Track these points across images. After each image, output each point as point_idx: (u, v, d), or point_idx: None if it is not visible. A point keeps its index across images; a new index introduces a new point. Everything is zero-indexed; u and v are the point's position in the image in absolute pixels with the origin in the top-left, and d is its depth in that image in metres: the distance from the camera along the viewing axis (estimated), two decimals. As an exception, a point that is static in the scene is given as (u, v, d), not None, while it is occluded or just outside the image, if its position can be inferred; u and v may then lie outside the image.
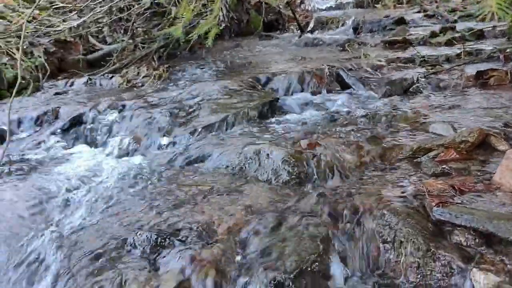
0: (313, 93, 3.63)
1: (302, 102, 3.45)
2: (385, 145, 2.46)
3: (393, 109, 3.04)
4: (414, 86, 3.42)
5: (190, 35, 4.43)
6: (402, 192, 1.92)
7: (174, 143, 3.01)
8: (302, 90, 3.72)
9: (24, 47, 5.09)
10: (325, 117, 3.11)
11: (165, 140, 3.05)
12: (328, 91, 3.65)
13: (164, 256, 1.78)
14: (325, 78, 3.76)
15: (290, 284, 1.56)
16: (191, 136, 3.04)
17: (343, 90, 3.66)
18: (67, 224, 2.08)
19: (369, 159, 2.34)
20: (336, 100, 3.43)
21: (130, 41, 5.32)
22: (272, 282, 1.57)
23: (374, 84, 3.63)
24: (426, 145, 2.29)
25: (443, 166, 2.09)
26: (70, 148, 3.26)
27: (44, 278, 1.77)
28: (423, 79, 3.51)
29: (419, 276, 1.58)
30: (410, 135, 2.55)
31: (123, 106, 3.69)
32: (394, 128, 2.70)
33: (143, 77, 4.62)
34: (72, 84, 4.87)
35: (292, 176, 2.27)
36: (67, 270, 1.75)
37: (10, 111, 2.84)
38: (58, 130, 3.52)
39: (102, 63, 5.34)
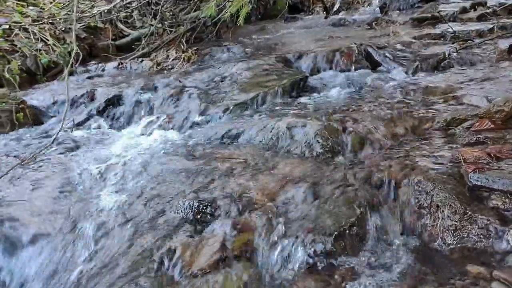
0: (342, 71, 3.64)
1: (331, 80, 3.47)
2: (417, 118, 2.47)
3: (425, 84, 3.03)
4: (445, 61, 3.39)
5: (221, 14, 4.48)
6: (437, 161, 1.94)
7: (207, 121, 3.08)
8: (331, 69, 3.74)
9: (57, 33, 5.24)
10: (355, 93, 3.12)
11: (198, 118, 3.13)
12: (357, 69, 3.65)
13: (206, 222, 1.86)
14: (354, 56, 3.76)
15: (330, 245, 1.62)
16: (223, 114, 3.11)
17: (373, 67, 3.65)
18: (113, 194, 2.18)
19: (401, 131, 2.36)
20: (366, 77, 3.44)
21: (159, 25, 5.41)
22: (312, 243, 1.63)
23: (404, 60, 3.62)
24: (460, 116, 2.29)
25: (478, 136, 2.10)
26: (107, 127, 3.37)
27: (92, 240, 1.88)
28: (455, 54, 3.48)
29: (456, 238, 1.61)
30: (443, 107, 2.56)
31: (156, 87, 3.78)
32: (426, 102, 2.70)
33: (173, 59, 4.70)
34: (103, 69, 4.99)
35: (325, 149, 2.32)
36: (116, 234, 1.85)
37: (68, 86, 2.98)
38: (95, 111, 3.64)
39: (131, 47, 5.46)
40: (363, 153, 2.25)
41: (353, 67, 3.66)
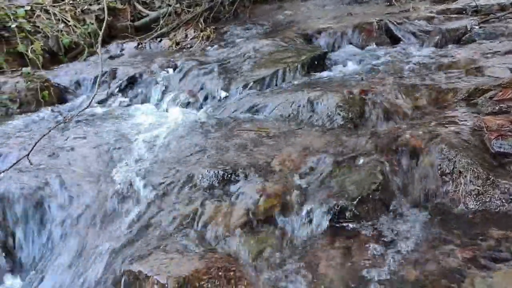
0: (362, 47, 3.63)
1: (351, 56, 3.46)
2: (439, 90, 2.47)
3: (446, 57, 3.01)
4: (467, 35, 3.35)
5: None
6: (460, 129, 1.95)
7: (227, 96, 3.12)
8: (350, 44, 3.72)
9: (77, 14, 5.30)
10: (376, 68, 3.12)
11: (218, 94, 3.17)
12: (378, 45, 3.63)
13: (231, 189, 1.91)
14: (373, 32, 3.74)
15: (353, 209, 1.66)
16: (243, 90, 3.14)
17: (393, 43, 3.63)
18: (141, 162, 2.25)
19: (424, 103, 2.37)
20: (386, 52, 3.42)
21: (177, 5, 5.42)
22: (335, 207, 1.67)
23: (425, 35, 3.58)
24: (482, 86, 2.29)
25: (501, 105, 2.09)
26: (129, 104, 3.44)
27: (123, 204, 1.95)
28: (476, 28, 3.43)
29: (478, 203, 1.64)
30: (465, 79, 2.55)
31: (175, 65, 3.82)
32: (448, 75, 2.69)
33: (191, 38, 4.73)
34: (123, 49, 5.05)
35: (346, 120, 2.34)
36: (146, 201, 1.92)
37: (101, 59, 3.09)
38: (117, 89, 3.71)
39: (150, 28, 5.50)
40: (385, 123, 2.27)
41: (373, 43, 3.64)
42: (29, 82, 3.69)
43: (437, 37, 3.37)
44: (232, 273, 1.45)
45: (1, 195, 2.05)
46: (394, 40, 3.66)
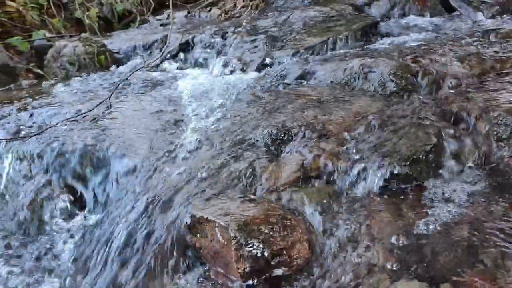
0: (416, 17, 3.56)
1: (404, 25, 3.42)
2: (496, 59, 2.42)
3: (504, 28, 2.92)
4: (528, 5, 3.22)
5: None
6: (518, 96, 1.93)
7: (277, 63, 3.16)
8: (404, 14, 3.66)
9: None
10: (430, 37, 3.07)
11: (268, 61, 3.21)
12: (432, 14, 3.55)
13: (284, 148, 1.99)
14: (427, 1, 3.65)
15: (406, 170, 1.70)
16: (293, 57, 3.17)
17: (448, 12, 3.53)
18: (195, 122, 2.35)
19: (479, 71, 2.34)
20: (441, 22, 3.35)
21: (226, -26, 5.44)
22: (388, 167, 1.71)
23: (482, 5, 3.46)
24: (544, 55, 2.22)
25: None
26: (181, 69, 3.55)
27: (178, 160, 2.06)
28: (539, -2, 3.29)
29: (535, 168, 1.64)
30: (525, 49, 2.48)
31: (225, 33, 3.89)
32: (506, 44, 2.62)
33: (240, 8, 4.76)
34: (174, 17, 5.15)
35: (400, 87, 2.34)
36: (202, 155, 2.03)
37: (172, 19, 3.27)
38: (168, 55, 3.82)
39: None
40: (439, 91, 2.26)
41: (427, 13, 3.56)
42: (87, 47, 3.86)
43: (496, 6, 3.25)
44: (287, 221, 1.53)
45: (70, 146, 2.21)
46: (449, 10, 3.56)
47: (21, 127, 2.51)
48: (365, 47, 3.14)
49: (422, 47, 2.81)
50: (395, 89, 2.34)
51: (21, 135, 2.42)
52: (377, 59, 2.66)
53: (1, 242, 2.05)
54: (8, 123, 2.58)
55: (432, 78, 2.32)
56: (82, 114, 2.48)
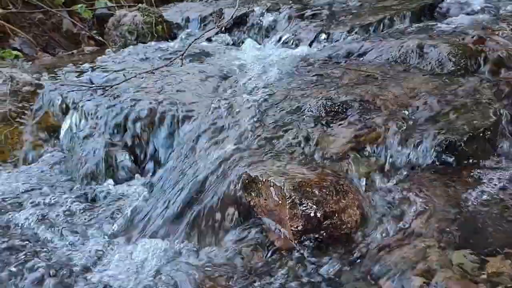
0: (478, -2, 3.44)
1: (466, 6, 3.31)
2: None
3: None
4: None
5: None
6: None
7: (332, 40, 3.17)
8: (465, -5, 3.54)
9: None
10: (493, 18, 2.97)
11: (323, 37, 3.23)
12: (495, -4, 3.41)
13: (338, 119, 2.02)
14: (492, -18, 3.51)
15: (462, 145, 1.70)
16: (348, 34, 3.17)
17: (513, -6, 3.39)
18: (250, 91, 2.42)
19: (548, 54, 2.26)
20: (502, 4, 3.22)
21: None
22: (444, 142, 1.73)
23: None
24: None
25: None
26: (235, 42, 3.63)
27: (234, 128, 2.14)
28: None
29: None
30: None
31: (279, 8, 3.90)
32: None
33: (295, -16, 4.74)
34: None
35: (458, 67, 2.31)
36: (257, 123, 2.10)
37: None
38: (223, 28, 3.90)
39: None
40: (499, 72, 2.21)
41: (489, -6, 3.43)
42: (145, 16, 3.99)
43: None
44: (340, 186, 1.58)
45: (134, 105, 2.35)
46: (515, -8, 3.41)
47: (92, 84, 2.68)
48: (424, 26, 3.07)
49: (484, 28, 2.74)
50: (453, 68, 2.31)
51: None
52: (435, 38, 2.63)
53: (68, 186, 2.21)
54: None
55: (493, 59, 2.27)
56: (156, 68, 2.73)
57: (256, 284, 1.45)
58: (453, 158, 1.72)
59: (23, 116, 2.72)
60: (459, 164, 1.71)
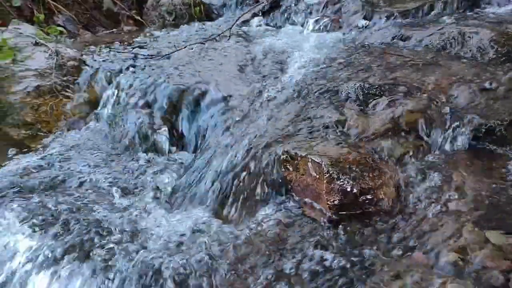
0: (523, -13, 3.35)
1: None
2: None
3: None
4: None
5: None
6: None
7: (371, 25, 3.16)
8: (509, -16, 3.45)
9: None
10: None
11: (361, 22, 3.22)
12: (541, -15, 3.32)
13: (376, 102, 2.04)
14: (539, -29, 3.41)
15: (501, 130, 1.70)
16: (387, 20, 3.15)
17: (561, -16, 3.29)
18: (287, 74, 2.47)
19: None
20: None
21: None
22: (483, 127, 1.73)
23: None
24: None
25: None
26: (272, 26, 3.65)
27: (270, 107, 2.19)
28: None
29: None
30: None
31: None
32: None
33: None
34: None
35: (500, 55, 2.29)
36: (294, 104, 2.14)
37: None
38: (260, 12, 3.92)
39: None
40: (546, 60, 2.18)
41: (536, -17, 3.34)
42: (184, -3, 4.06)
43: None
44: (376, 164, 1.61)
45: (172, 85, 2.43)
46: None
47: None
48: (465, 14, 3.03)
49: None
50: (494, 56, 2.29)
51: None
52: (476, 26, 2.60)
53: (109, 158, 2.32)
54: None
55: (538, 48, 2.23)
56: (207, 39, 2.97)
57: (291, 254, 1.50)
58: (492, 143, 1.72)
59: (67, 89, 2.84)
60: (498, 149, 1.71)
